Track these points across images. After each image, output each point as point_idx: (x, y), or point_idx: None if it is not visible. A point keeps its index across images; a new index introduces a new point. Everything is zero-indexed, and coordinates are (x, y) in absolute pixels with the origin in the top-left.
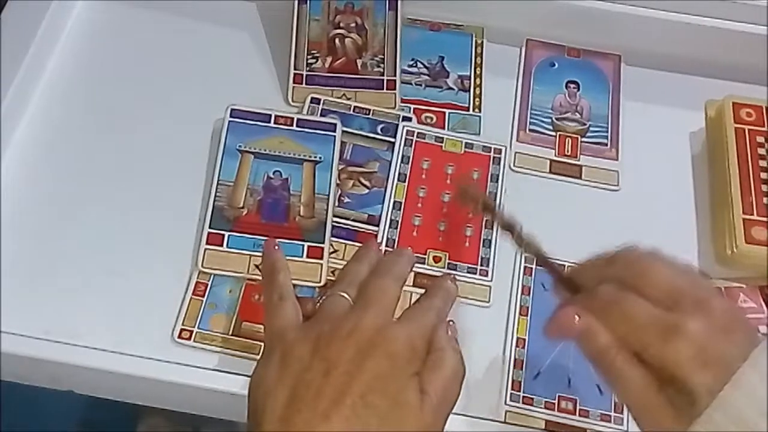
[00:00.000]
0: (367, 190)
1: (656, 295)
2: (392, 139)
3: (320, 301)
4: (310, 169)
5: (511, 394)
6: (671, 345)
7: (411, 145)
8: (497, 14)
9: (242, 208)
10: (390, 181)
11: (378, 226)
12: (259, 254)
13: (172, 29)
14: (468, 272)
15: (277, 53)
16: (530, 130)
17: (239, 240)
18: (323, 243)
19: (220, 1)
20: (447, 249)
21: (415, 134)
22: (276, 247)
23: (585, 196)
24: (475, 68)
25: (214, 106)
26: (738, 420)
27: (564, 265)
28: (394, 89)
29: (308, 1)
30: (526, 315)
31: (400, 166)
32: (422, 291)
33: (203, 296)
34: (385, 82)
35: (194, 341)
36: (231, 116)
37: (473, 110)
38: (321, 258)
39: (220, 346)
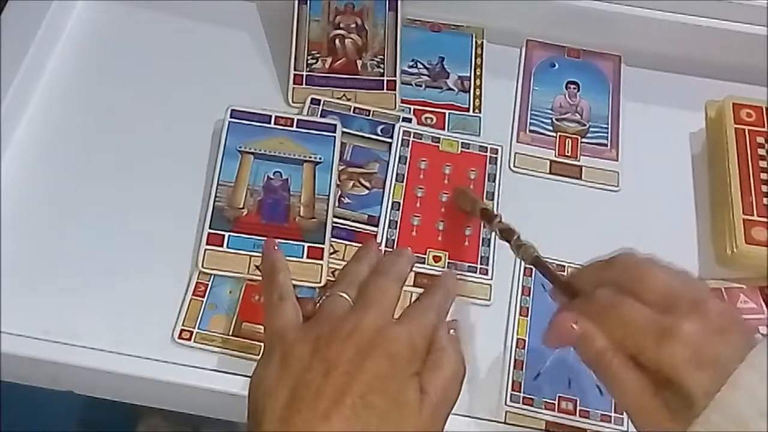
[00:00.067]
0: (367, 191)
1: (653, 299)
2: (392, 140)
3: (320, 302)
4: (310, 169)
5: (511, 394)
6: (666, 347)
7: (408, 146)
8: (497, 15)
9: (242, 208)
10: (388, 181)
11: (378, 226)
12: (259, 255)
13: (172, 29)
14: (468, 271)
15: (277, 54)
16: (530, 130)
17: (239, 240)
18: (323, 243)
19: (220, 1)
20: (447, 248)
21: (412, 134)
22: (276, 248)
23: (585, 197)
24: (475, 69)
25: (214, 106)
26: (738, 420)
27: (564, 266)
28: (394, 90)
29: (308, 2)
30: (527, 316)
31: (397, 166)
32: (422, 291)
33: (203, 297)
34: (385, 82)
35: (194, 341)
36: (231, 117)
37: (473, 111)
38: (321, 258)
39: (220, 347)
